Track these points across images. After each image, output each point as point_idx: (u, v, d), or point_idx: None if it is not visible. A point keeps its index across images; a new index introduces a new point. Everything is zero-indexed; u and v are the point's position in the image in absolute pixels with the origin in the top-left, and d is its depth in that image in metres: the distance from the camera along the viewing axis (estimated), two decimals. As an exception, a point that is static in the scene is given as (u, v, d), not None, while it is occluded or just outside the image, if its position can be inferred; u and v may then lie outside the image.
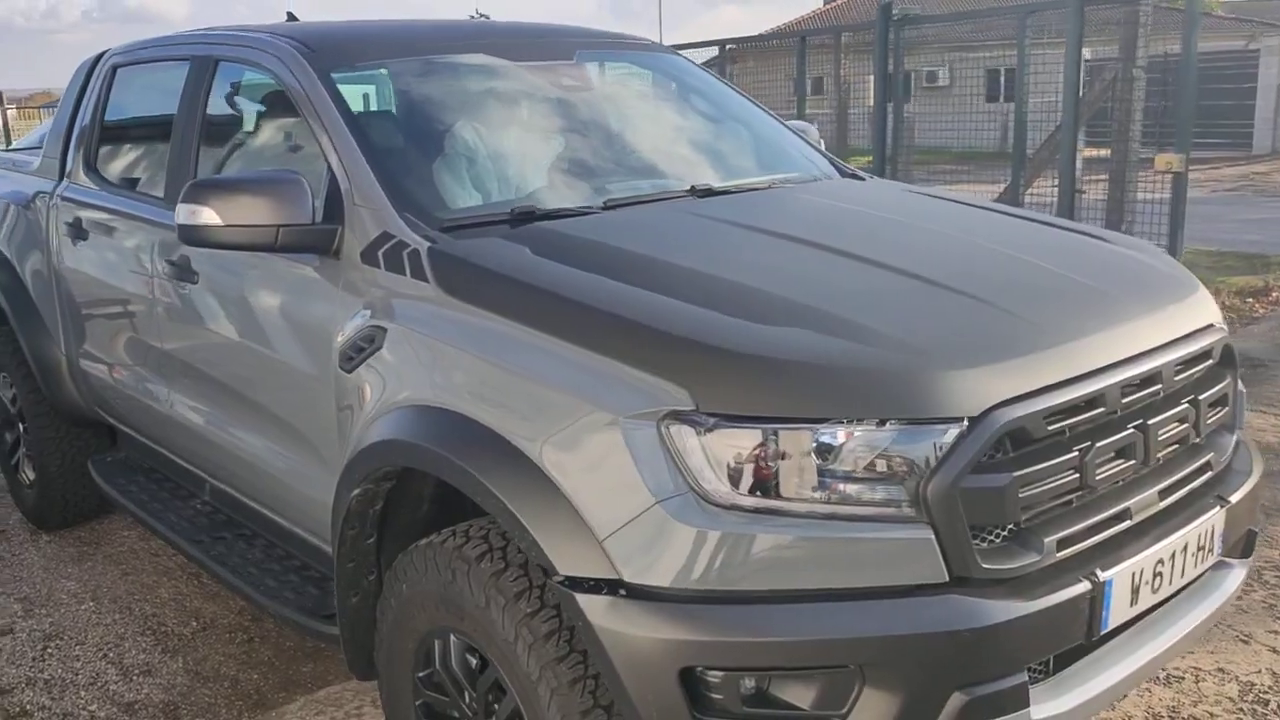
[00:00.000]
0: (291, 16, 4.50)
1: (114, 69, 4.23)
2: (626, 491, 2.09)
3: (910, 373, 2.11)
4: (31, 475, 4.79)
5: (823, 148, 4.04)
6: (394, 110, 3.39)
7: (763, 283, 2.43)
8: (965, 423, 2.08)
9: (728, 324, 2.23)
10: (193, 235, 2.82)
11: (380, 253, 2.76)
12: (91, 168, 4.19)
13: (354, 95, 3.58)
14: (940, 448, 2.06)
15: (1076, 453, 2.20)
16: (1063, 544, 2.18)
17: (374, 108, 3.67)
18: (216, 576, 3.44)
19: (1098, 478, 2.25)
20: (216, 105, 3.60)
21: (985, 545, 2.11)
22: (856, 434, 2.06)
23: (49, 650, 3.81)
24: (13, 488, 5.06)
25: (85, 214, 4.08)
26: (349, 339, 2.75)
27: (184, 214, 2.81)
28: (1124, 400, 2.33)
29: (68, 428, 4.56)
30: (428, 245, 2.68)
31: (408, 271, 2.68)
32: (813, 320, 2.25)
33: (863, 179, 3.69)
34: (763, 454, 2.06)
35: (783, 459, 2.06)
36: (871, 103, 8.57)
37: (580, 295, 2.38)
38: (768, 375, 2.10)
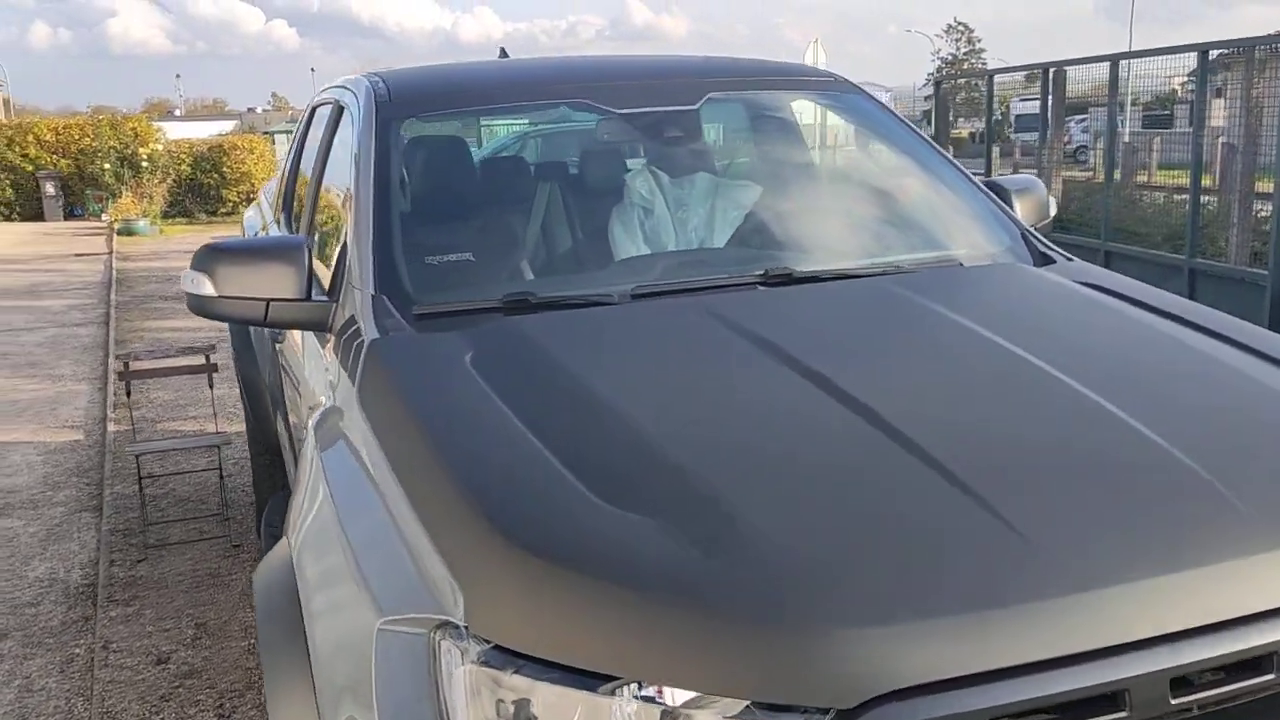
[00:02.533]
0: (503, 53, 4.28)
1: (312, 109, 4.21)
2: None
3: (749, 620, 1.38)
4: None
5: (1049, 210, 3.12)
6: (437, 171, 2.99)
7: (678, 435, 1.77)
8: (829, 717, 1.33)
9: (558, 498, 1.61)
10: (195, 305, 2.61)
11: (342, 340, 2.39)
12: (286, 206, 4.20)
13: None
14: None
15: None
16: None
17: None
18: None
19: None
20: (339, 152, 3.41)
21: None
22: (655, 707, 1.38)
23: (179, 690, 3.85)
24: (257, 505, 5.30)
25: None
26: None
27: (187, 280, 2.61)
28: (1195, 696, 1.41)
29: (273, 458, 4.65)
30: (372, 338, 2.27)
31: (348, 368, 2.28)
32: (680, 505, 1.57)
33: (1053, 260, 2.76)
34: (531, 714, 1.44)
35: None
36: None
37: (433, 429, 1.85)
38: (551, 590, 1.47)
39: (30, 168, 21.37)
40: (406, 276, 2.48)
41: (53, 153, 21.52)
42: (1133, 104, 12.79)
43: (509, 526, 1.55)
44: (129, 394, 5.51)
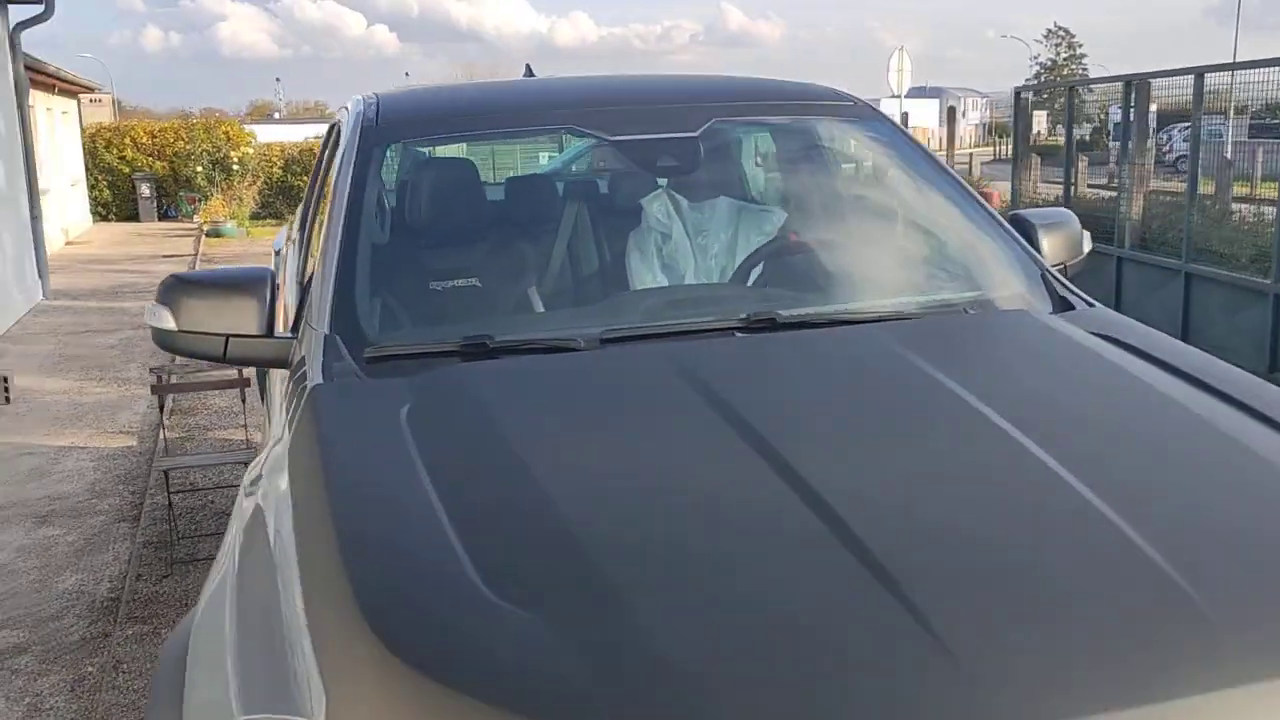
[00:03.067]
0: (529, 71, 4.20)
1: (330, 127, 4.13)
2: None
3: None
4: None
5: (1082, 246, 2.88)
6: (418, 200, 2.85)
7: (600, 519, 1.61)
8: None
9: (449, 594, 1.46)
10: (158, 339, 2.53)
11: (292, 382, 2.27)
12: (302, 227, 4.12)
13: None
14: None
15: None
16: None
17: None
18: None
19: None
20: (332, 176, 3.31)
21: None
22: None
23: None
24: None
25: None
26: (247, 489, 2.29)
27: (150, 314, 2.52)
28: None
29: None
30: (314, 384, 2.14)
31: (290, 415, 2.16)
32: (582, 606, 1.42)
33: (1072, 306, 2.52)
34: None
35: None
36: None
37: (338, 498, 1.71)
38: (421, 704, 1.32)
39: (127, 170, 22.01)
40: (365, 314, 2.35)
41: (149, 155, 22.13)
42: (1238, 112, 12.22)
43: (384, 625, 1.40)
44: (162, 408, 5.52)
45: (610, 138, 2.79)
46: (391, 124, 2.80)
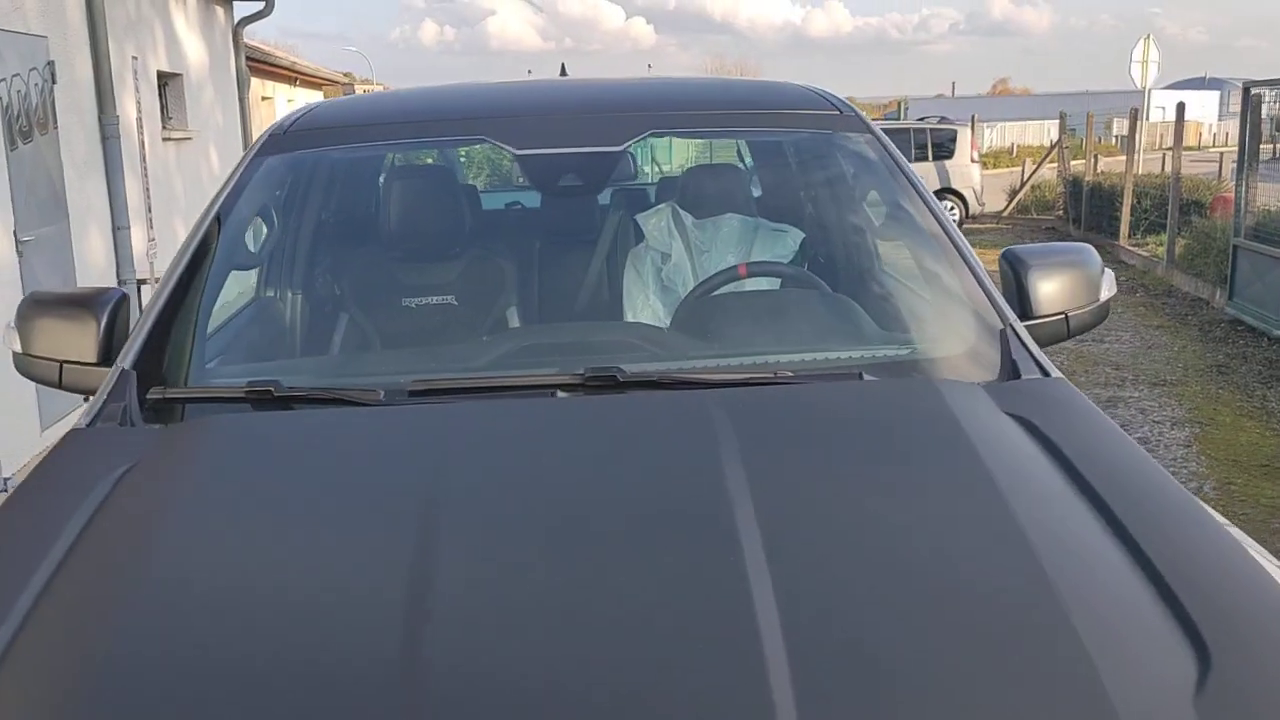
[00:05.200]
0: (563, 70, 3.97)
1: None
2: None
3: None
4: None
5: (1099, 290, 2.30)
6: (297, 219, 2.56)
7: (179, 639, 1.32)
8: None
9: None
10: (14, 363, 2.38)
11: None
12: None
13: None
14: None
15: None
16: None
17: None
18: None
19: None
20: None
21: None
22: None
23: None
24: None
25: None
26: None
27: (4, 333, 2.38)
28: None
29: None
30: (73, 427, 1.92)
31: (52, 462, 1.94)
32: None
33: (1019, 375, 1.97)
34: None
35: None
36: None
37: None
38: None
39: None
40: (176, 348, 2.11)
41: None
42: None
43: None
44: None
45: (516, 150, 2.43)
46: (296, 134, 2.55)
